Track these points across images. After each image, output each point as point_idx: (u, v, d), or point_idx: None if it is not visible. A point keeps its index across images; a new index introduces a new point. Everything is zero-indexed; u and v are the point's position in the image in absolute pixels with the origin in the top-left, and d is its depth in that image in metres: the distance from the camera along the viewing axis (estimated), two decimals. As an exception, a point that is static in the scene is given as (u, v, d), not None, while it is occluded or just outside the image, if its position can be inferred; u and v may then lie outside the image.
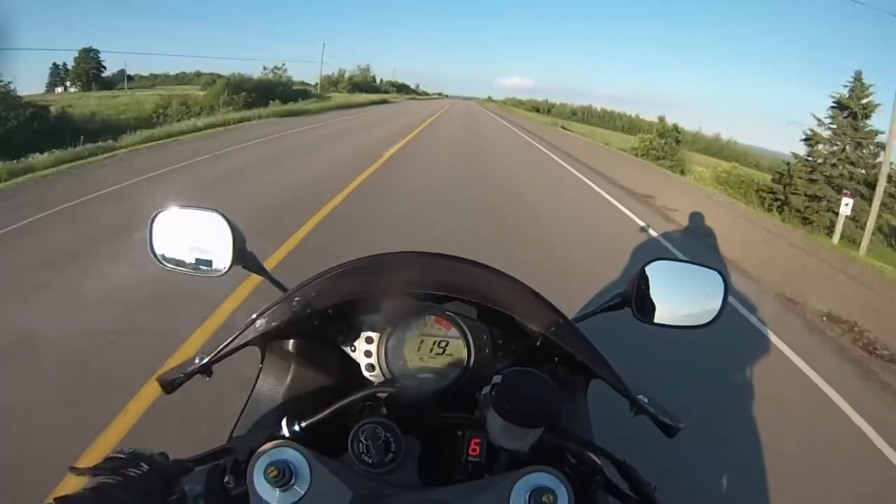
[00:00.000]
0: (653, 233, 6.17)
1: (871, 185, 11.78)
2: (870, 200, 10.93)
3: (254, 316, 0.64)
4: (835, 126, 14.50)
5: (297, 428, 0.57)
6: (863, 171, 14.01)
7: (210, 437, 0.65)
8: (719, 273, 0.81)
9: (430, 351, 0.73)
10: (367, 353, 0.75)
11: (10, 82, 16.30)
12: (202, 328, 2.65)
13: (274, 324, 0.64)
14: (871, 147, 14.09)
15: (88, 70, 42.53)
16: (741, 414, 2.57)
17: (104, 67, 42.64)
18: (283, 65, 32.80)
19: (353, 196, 6.01)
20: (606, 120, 79.67)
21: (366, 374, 0.75)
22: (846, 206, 8.67)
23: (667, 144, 22.33)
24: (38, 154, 8.28)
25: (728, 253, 5.57)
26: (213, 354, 0.64)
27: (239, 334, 0.63)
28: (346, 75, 54.80)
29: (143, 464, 0.49)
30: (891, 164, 10.85)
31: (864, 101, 14.19)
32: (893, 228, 14.06)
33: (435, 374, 0.73)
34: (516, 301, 0.67)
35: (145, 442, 0.54)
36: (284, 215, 4.88)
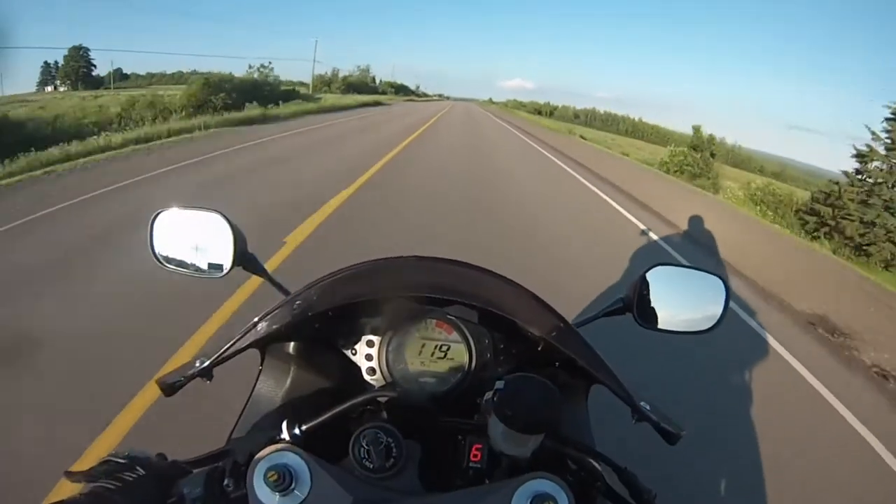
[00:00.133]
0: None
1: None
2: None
3: (255, 319, 0.63)
4: (891, 141, 12.29)
5: (297, 431, 0.56)
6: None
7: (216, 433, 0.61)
8: (721, 279, 0.81)
9: (432, 355, 0.73)
10: (368, 357, 0.74)
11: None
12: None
13: (275, 326, 0.64)
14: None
15: (78, 68, 40.50)
16: None
17: (94, 66, 40.66)
18: (270, 63, 30.57)
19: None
20: (609, 123, 77.58)
21: (367, 377, 0.74)
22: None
23: (702, 158, 18.87)
24: None
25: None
26: (213, 357, 0.63)
27: (240, 338, 0.63)
28: (341, 75, 52.54)
29: (139, 467, 0.48)
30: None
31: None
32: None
33: (436, 378, 0.73)
34: (518, 305, 0.67)
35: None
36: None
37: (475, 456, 0.60)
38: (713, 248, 5.89)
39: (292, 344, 0.73)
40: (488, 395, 0.57)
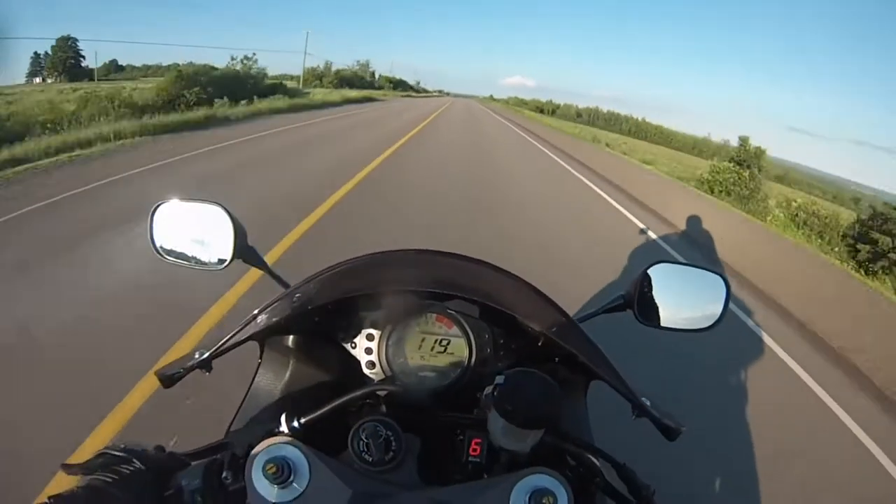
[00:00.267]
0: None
1: None
2: None
3: (255, 312, 0.63)
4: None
5: (296, 424, 0.56)
6: None
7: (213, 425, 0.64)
8: (721, 277, 0.81)
9: (432, 349, 0.73)
10: (368, 351, 0.75)
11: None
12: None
13: (274, 319, 0.64)
14: None
15: (66, 59, 38.06)
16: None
17: (83, 57, 38.28)
18: (254, 55, 27.64)
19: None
20: (613, 122, 75.48)
21: (366, 371, 0.75)
22: None
23: (750, 176, 14.79)
24: None
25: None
26: (212, 349, 0.63)
27: (239, 330, 0.63)
28: (334, 68, 49.42)
29: (136, 460, 0.48)
30: None
31: None
32: None
33: (436, 372, 0.73)
34: (519, 300, 0.67)
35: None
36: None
37: (474, 450, 0.60)
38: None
39: (291, 337, 0.73)
40: (488, 389, 0.57)
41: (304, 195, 5.37)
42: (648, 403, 0.64)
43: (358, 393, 0.59)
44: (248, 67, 25.58)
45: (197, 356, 0.64)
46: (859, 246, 11.20)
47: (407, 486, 0.55)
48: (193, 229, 0.82)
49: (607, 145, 20.14)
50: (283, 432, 0.55)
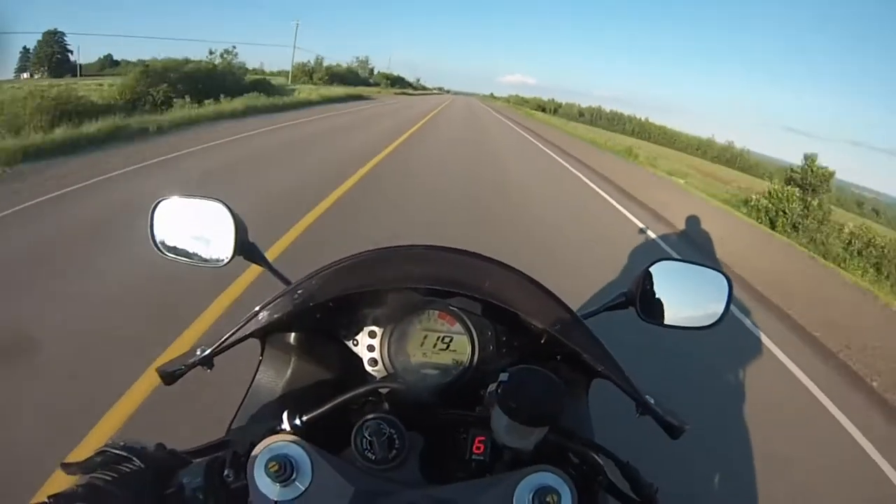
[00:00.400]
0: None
1: None
2: None
3: (256, 308, 0.64)
4: None
5: (297, 422, 0.56)
6: None
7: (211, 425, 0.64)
8: (724, 275, 0.81)
9: (434, 346, 0.73)
10: (370, 348, 0.75)
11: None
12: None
13: (276, 316, 0.64)
14: None
15: (52, 54, 36.72)
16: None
17: (70, 51, 36.82)
18: (234, 48, 25.59)
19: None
20: (616, 123, 74.08)
21: (368, 368, 0.75)
22: None
23: (819, 205, 11.35)
24: None
25: None
26: (214, 346, 0.63)
27: (241, 327, 0.63)
28: (326, 63, 46.61)
29: (136, 458, 0.48)
30: None
31: None
32: None
33: (438, 369, 0.73)
34: (523, 297, 0.67)
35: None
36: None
37: (478, 448, 0.59)
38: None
39: (293, 334, 0.73)
40: (492, 386, 0.56)
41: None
42: (652, 401, 0.64)
43: (360, 390, 0.59)
44: (227, 62, 23.44)
45: (198, 353, 0.64)
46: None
47: (410, 484, 0.55)
48: (194, 226, 0.82)
49: (634, 156, 16.17)
50: (285, 430, 0.56)
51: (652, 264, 0.79)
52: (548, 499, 0.47)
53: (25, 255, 3.39)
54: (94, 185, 5.29)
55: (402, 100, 38.74)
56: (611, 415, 0.82)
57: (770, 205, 11.32)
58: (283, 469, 0.47)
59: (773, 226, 10.44)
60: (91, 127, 8.27)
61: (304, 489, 0.48)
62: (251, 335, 0.65)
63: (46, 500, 0.42)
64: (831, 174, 13.80)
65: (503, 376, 0.53)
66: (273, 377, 0.72)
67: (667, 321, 0.79)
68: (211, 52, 24.58)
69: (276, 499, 0.47)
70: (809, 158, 14.79)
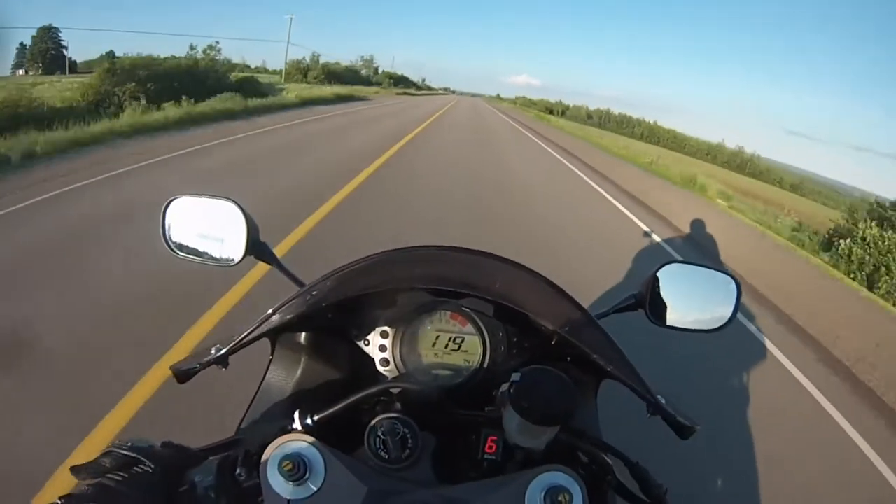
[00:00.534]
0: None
1: None
2: None
3: (269, 311, 0.65)
4: None
5: (309, 421, 0.57)
6: None
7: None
8: (732, 278, 0.82)
9: (446, 347, 0.74)
10: (382, 348, 0.75)
11: None
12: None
13: (288, 316, 0.64)
14: None
15: (46, 50, 36.06)
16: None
17: (65, 47, 36.08)
18: (217, 43, 23.28)
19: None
20: (625, 125, 72.72)
21: (380, 368, 0.75)
22: None
23: None
24: None
25: None
26: (230, 346, 0.65)
27: (255, 328, 0.64)
28: (323, 60, 43.17)
29: (145, 458, 0.48)
30: None
31: None
32: None
33: (449, 370, 0.74)
34: (536, 297, 0.68)
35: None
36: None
37: (490, 448, 0.60)
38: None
39: (303, 334, 0.74)
40: (504, 386, 0.57)
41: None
42: (664, 402, 0.65)
43: (373, 390, 0.60)
44: (210, 58, 21.21)
45: (213, 352, 0.65)
46: None
47: (422, 483, 0.55)
48: (205, 225, 0.83)
49: (700, 188, 11.32)
50: (296, 429, 0.56)
51: (661, 267, 0.80)
52: (559, 498, 0.47)
53: None
54: None
55: (401, 101, 34.17)
56: (614, 416, 0.80)
57: (867, 255, 8.02)
58: (297, 468, 0.47)
59: (870, 285, 7.49)
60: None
61: (316, 488, 0.48)
62: (264, 335, 0.65)
63: (57, 501, 0.43)
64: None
65: (516, 376, 0.54)
66: (283, 377, 0.73)
67: (676, 323, 0.80)
68: (192, 48, 22.56)
69: (289, 498, 0.48)
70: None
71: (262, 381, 0.72)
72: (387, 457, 0.58)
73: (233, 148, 8.31)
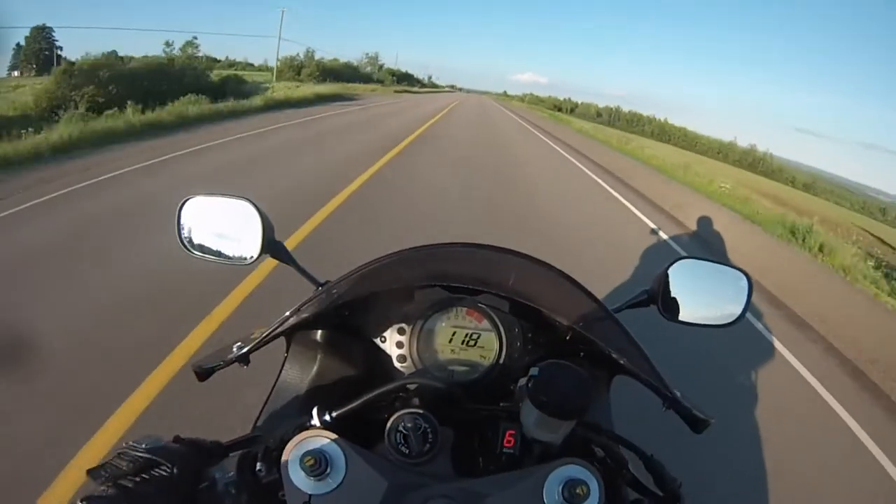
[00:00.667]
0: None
1: None
2: None
3: (286, 314, 0.65)
4: None
5: (327, 418, 0.58)
6: None
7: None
8: (744, 273, 0.82)
9: (462, 343, 0.75)
10: (399, 345, 0.77)
11: None
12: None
13: (304, 315, 0.65)
14: None
15: (39, 51, 35.96)
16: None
17: (59, 48, 35.93)
18: (195, 38, 22.07)
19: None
20: (635, 124, 71.56)
21: (397, 364, 0.77)
22: None
23: None
24: None
25: None
26: (251, 345, 0.66)
27: (275, 328, 0.65)
28: (318, 56, 40.10)
29: (161, 458, 0.49)
30: None
31: None
32: None
33: (466, 366, 0.75)
34: (552, 293, 0.69)
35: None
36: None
37: (509, 442, 0.60)
38: None
39: (319, 332, 0.75)
40: (522, 381, 0.58)
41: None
42: (679, 395, 0.65)
43: (391, 386, 0.61)
44: (188, 55, 19.62)
45: (235, 350, 0.66)
46: None
47: (441, 477, 0.56)
48: (221, 224, 0.83)
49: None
50: (314, 426, 0.57)
51: (673, 263, 0.81)
52: (577, 490, 0.48)
53: None
54: None
55: (398, 101, 29.46)
56: (618, 411, 0.80)
57: None
58: (318, 464, 0.48)
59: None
60: None
61: (337, 484, 0.48)
62: (281, 333, 0.67)
63: (79, 502, 0.43)
64: None
65: (534, 371, 0.55)
66: (299, 374, 0.74)
67: (687, 319, 0.81)
68: (168, 44, 20.51)
69: (310, 493, 0.48)
70: None
71: (277, 379, 0.74)
72: (407, 452, 0.58)
73: (115, 191, 5.23)
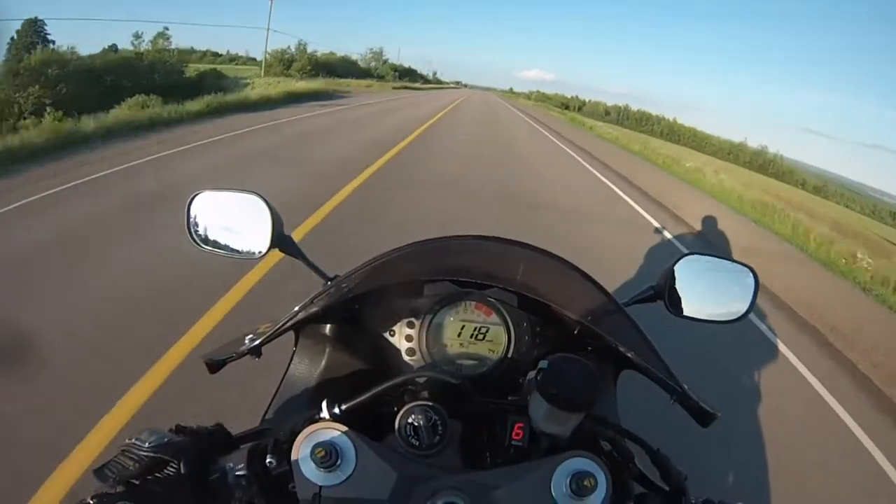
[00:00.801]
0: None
1: None
2: None
3: (296, 308, 0.66)
4: None
5: (337, 410, 0.58)
6: None
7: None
8: (750, 269, 0.83)
9: (471, 337, 0.76)
10: (409, 338, 0.77)
11: None
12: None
13: (313, 309, 0.66)
14: None
15: (31, 45, 35.92)
16: None
17: (50, 41, 35.79)
18: (167, 29, 18.69)
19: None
20: (644, 123, 70.93)
21: (406, 358, 0.78)
22: None
23: None
24: None
25: None
26: (263, 337, 0.67)
27: (286, 321, 0.66)
28: (309, 50, 36.39)
29: (167, 454, 0.49)
30: None
31: None
32: None
33: (475, 359, 0.76)
34: (561, 286, 0.70)
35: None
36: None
37: (517, 434, 0.61)
38: None
39: (328, 325, 0.76)
40: (531, 374, 0.59)
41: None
42: (686, 388, 0.66)
43: (401, 379, 0.61)
44: (158, 50, 16.89)
45: (247, 342, 0.67)
46: None
47: (450, 469, 0.56)
48: (230, 219, 0.84)
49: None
50: (324, 418, 0.57)
51: (679, 259, 0.82)
52: (585, 483, 0.49)
53: None
54: None
55: (394, 99, 24.94)
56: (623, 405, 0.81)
57: None
58: (329, 455, 0.48)
59: None
60: None
61: (348, 475, 0.49)
62: (290, 327, 0.68)
63: (89, 501, 0.43)
64: None
65: (543, 364, 0.56)
66: (307, 367, 0.75)
67: (694, 314, 0.81)
68: (136, 37, 17.44)
69: (321, 484, 0.49)
70: None
71: (286, 372, 0.75)
72: (417, 444, 0.59)
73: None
